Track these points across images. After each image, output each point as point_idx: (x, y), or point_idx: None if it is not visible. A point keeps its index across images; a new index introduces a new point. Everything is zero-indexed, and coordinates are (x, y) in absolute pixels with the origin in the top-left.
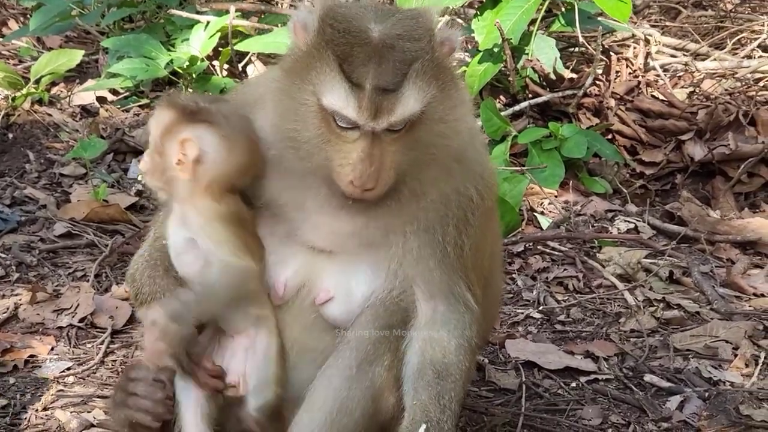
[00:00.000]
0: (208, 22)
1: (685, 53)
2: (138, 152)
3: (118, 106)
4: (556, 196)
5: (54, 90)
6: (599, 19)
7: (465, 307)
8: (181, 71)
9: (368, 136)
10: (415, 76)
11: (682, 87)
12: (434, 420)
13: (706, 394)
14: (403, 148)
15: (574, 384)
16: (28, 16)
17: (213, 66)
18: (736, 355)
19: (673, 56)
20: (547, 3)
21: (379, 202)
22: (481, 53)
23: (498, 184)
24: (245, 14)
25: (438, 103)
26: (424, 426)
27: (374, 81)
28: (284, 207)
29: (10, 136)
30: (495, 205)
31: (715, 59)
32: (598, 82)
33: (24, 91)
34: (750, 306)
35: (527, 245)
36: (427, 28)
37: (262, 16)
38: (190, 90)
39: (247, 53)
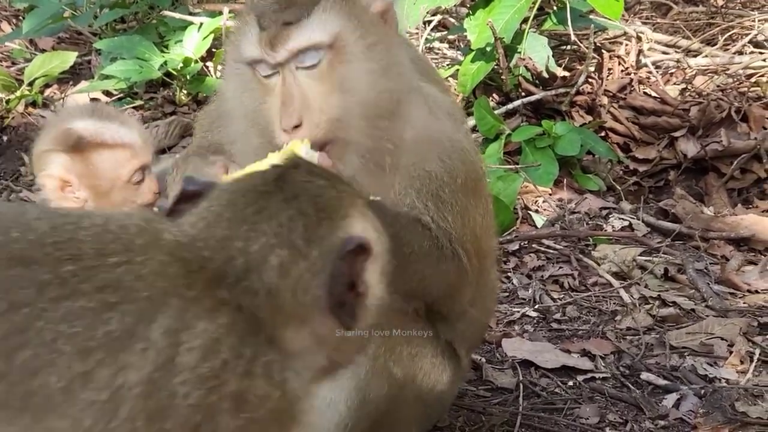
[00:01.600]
0: (201, 24)
1: (677, 50)
2: None
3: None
4: (550, 194)
5: (47, 92)
6: (591, 17)
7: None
8: (174, 73)
9: (285, 77)
10: (321, 10)
11: (675, 84)
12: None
13: (702, 391)
14: (333, 91)
15: (571, 383)
16: (21, 18)
17: (207, 67)
18: (731, 352)
19: (664, 53)
20: (539, 1)
21: (358, 170)
22: (473, 52)
23: (480, 162)
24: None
25: (355, 38)
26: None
27: (276, 17)
28: None
29: (5, 138)
30: (477, 184)
31: (706, 56)
32: (590, 80)
33: (18, 93)
34: (744, 303)
35: (522, 244)
36: None
37: None
38: (185, 91)
39: None
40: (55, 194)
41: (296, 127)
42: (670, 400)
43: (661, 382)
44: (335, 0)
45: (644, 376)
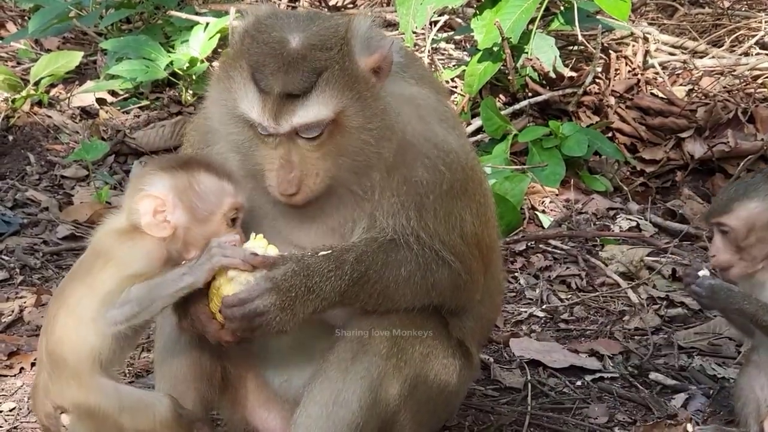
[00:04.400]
0: (207, 24)
1: (684, 51)
2: (139, 154)
3: (118, 108)
4: (557, 195)
5: (53, 92)
6: (598, 17)
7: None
8: (180, 73)
9: (285, 142)
10: (324, 84)
11: (681, 84)
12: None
13: (711, 391)
14: (328, 156)
15: (579, 382)
16: (27, 18)
17: (213, 67)
18: (739, 353)
19: (671, 54)
20: (546, 2)
21: (338, 199)
22: (480, 52)
23: (471, 161)
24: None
25: (355, 111)
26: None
27: (280, 87)
28: (256, 210)
29: (11, 138)
30: (470, 185)
31: (713, 57)
32: (597, 81)
33: (23, 93)
34: None
35: (529, 244)
36: (341, 38)
37: None
38: (190, 91)
39: None
40: (147, 218)
41: (293, 194)
42: (678, 399)
43: (670, 382)
44: (336, 70)
45: (653, 376)
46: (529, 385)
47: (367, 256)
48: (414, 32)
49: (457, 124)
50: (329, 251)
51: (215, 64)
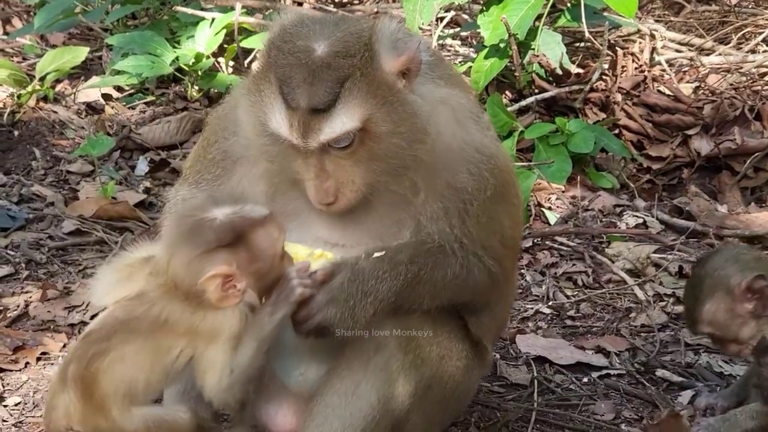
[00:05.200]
0: (213, 19)
1: (690, 48)
2: (145, 149)
3: (124, 103)
4: (563, 192)
5: (59, 87)
6: (605, 14)
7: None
8: (186, 68)
9: (317, 153)
10: (347, 95)
11: (688, 82)
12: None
13: (718, 388)
14: (361, 162)
15: (585, 379)
16: (32, 13)
17: (218, 63)
18: None
19: (678, 51)
20: None
21: (380, 202)
22: (487, 49)
23: (508, 164)
24: (250, 11)
25: (382, 117)
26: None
27: (305, 102)
28: (302, 218)
29: (16, 133)
30: (508, 189)
31: (720, 54)
32: (604, 77)
33: (29, 88)
34: None
35: (535, 240)
36: (365, 43)
37: (268, 12)
38: (196, 87)
39: (253, 50)
40: (217, 294)
41: (331, 204)
42: (685, 396)
43: (676, 378)
44: (358, 77)
45: (659, 372)
46: (536, 381)
47: (419, 258)
48: (420, 28)
49: (490, 125)
50: (382, 253)
51: (221, 60)
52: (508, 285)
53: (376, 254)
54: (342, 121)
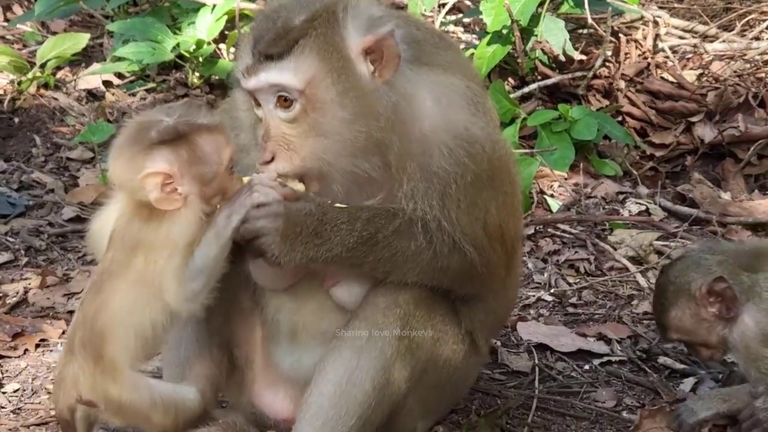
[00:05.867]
0: (214, 6)
1: (694, 35)
2: None
3: (124, 90)
4: (566, 179)
5: (59, 74)
6: (608, 0)
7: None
8: (187, 55)
9: (267, 117)
10: (299, 52)
11: (691, 69)
12: None
13: (720, 375)
14: (309, 135)
15: (587, 366)
16: (33, 0)
17: (219, 49)
18: None
19: (681, 38)
20: None
21: (357, 184)
22: (489, 35)
23: (500, 150)
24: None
25: (327, 84)
26: None
27: (261, 48)
28: None
29: (17, 120)
30: (498, 177)
31: (723, 41)
32: (607, 64)
33: (30, 75)
34: None
35: (537, 228)
36: (331, 11)
37: None
38: (197, 73)
39: None
40: (156, 194)
41: (268, 161)
42: (687, 384)
43: (678, 366)
44: (314, 42)
45: (661, 360)
46: (537, 368)
47: (379, 219)
48: (422, 15)
49: (487, 111)
50: (345, 206)
51: (222, 46)
52: (494, 279)
53: (338, 204)
54: (286, 73)
